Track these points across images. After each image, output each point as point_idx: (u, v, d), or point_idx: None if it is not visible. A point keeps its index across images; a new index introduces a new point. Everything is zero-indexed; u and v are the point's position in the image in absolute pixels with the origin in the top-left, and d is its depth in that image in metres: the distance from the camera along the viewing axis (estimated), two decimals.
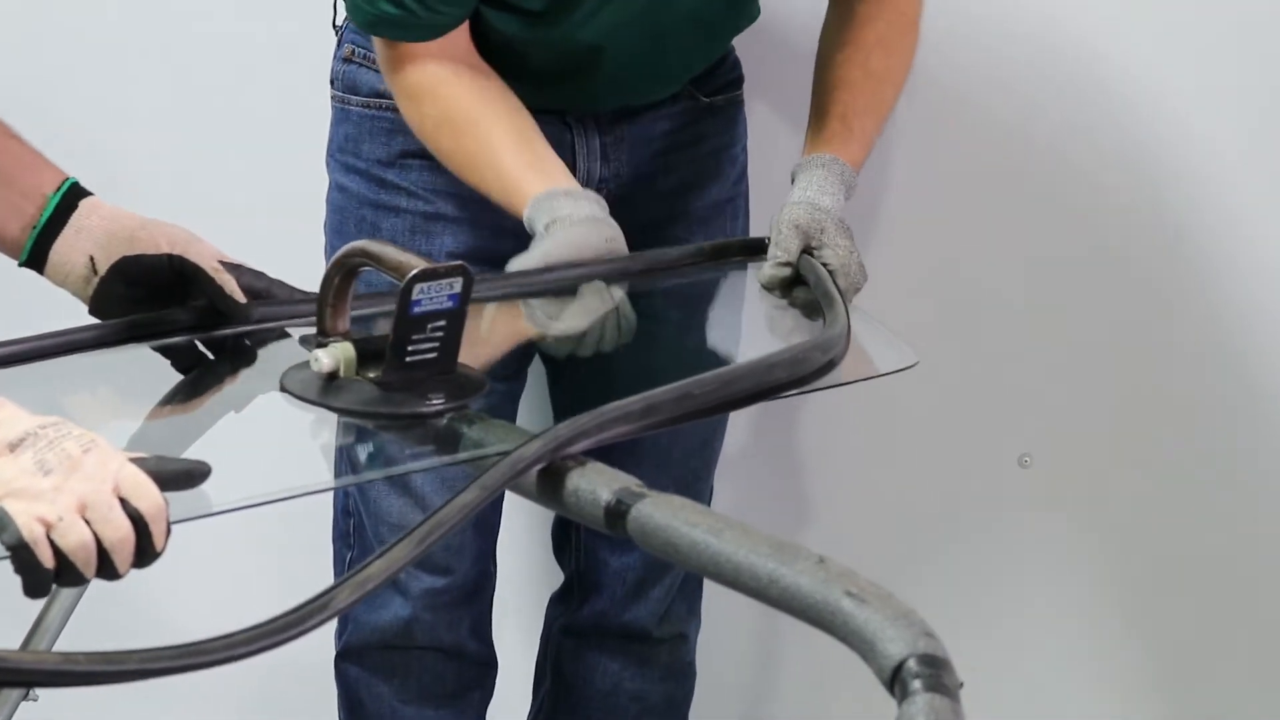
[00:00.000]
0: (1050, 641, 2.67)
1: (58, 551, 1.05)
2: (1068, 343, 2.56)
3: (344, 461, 1.46)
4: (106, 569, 1.07)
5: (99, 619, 1.83)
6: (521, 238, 1.97)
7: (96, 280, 1.51)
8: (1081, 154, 2.49)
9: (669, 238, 2.01)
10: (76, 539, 1.05)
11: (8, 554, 1.05)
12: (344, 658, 2.24)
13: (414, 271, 1.34)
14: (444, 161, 1.89)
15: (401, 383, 1.37)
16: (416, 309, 1.35)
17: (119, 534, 1.06)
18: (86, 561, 1.05)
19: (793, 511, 2.62)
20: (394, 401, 1.36)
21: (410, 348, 1.36)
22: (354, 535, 2.19)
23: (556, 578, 2.35)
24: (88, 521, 1.06)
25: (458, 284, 1.36)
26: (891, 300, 2.37)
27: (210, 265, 1.52)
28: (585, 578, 2.28)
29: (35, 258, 1.53)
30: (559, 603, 2.34)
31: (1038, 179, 2.50)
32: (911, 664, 1.00)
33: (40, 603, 1.59)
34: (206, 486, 1.19)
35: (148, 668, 1.02)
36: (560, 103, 1.99)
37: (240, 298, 1.52)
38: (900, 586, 1.08)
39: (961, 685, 1.00)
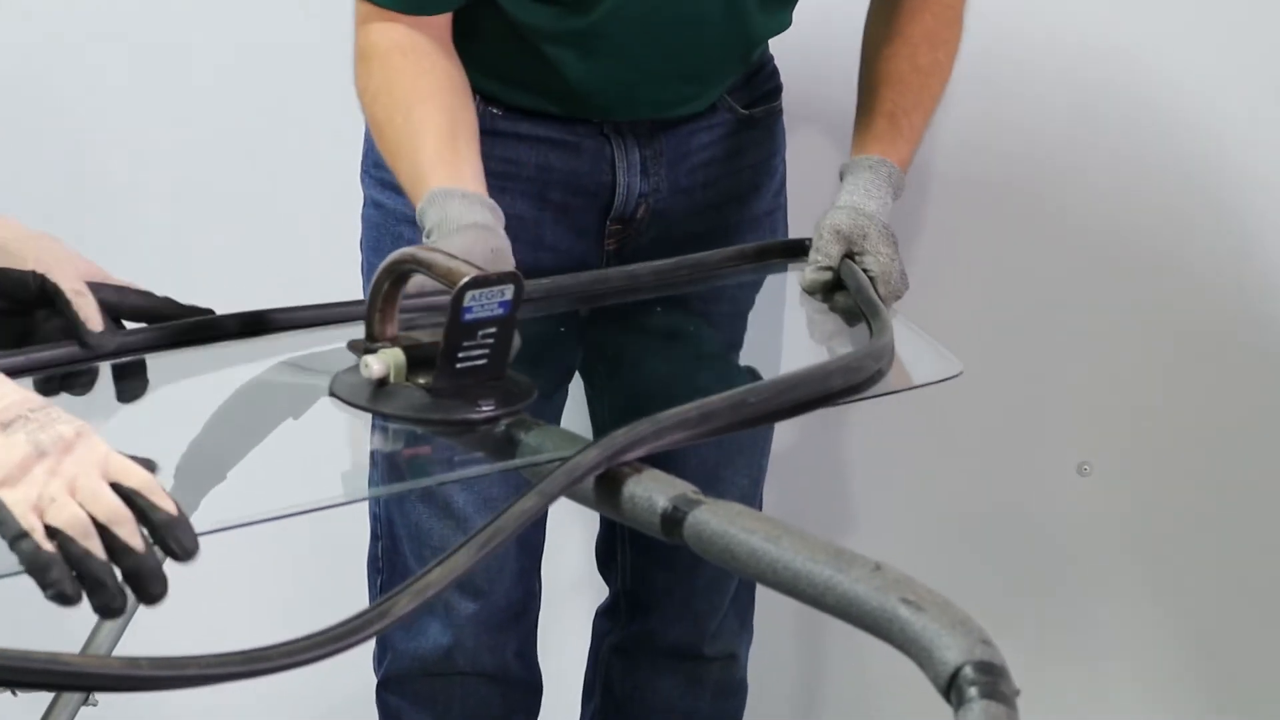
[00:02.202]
0: (1108, 650, 2.66)
1: (56, 535, 1.05)
2: (1128, 350, 2.55)
3: (390, 469, 1.46)
4: (121, 551, 1.07)
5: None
6: (557, 250, 1.97)
7: None
8: (1142, 157, 2.48)
9: None
10: (69, 515, 1.06)
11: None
12: (385, 687, 2.21)
13: (466, 279, 1.34)
14: (372, 130, 1.86)
15: (452, 389, 1.37)
16: (468, 316, 1.35)
17: (108, 506, 1.07)
18: (85, 534, 1.05)
19: (845, 518, 2.62)
20: (450, 408, 1.36)
21: (461, 354, 1.36)
22: (383, 559, 2.17)
23: (602, 589, 2.33)
24: (80, 504, 1.07)
25: (509, 291, 1.36)
26: (948, 305, 2.38)
27: (71, 287, 1.48)
28: (633, 596, 2.27)
29: None
30: (606, 617, 2.33)
31: (1093, 183, 2.50)
32: (968, 671, 1.00)
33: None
34: (262, 492, 1.19)
35: (210, 673, 1.02)
36: (594, 110, 1.97)
37: (97, 324, 1.48)
38: (957, 594, 1.08)
39: (1018, 692, 1.00)
